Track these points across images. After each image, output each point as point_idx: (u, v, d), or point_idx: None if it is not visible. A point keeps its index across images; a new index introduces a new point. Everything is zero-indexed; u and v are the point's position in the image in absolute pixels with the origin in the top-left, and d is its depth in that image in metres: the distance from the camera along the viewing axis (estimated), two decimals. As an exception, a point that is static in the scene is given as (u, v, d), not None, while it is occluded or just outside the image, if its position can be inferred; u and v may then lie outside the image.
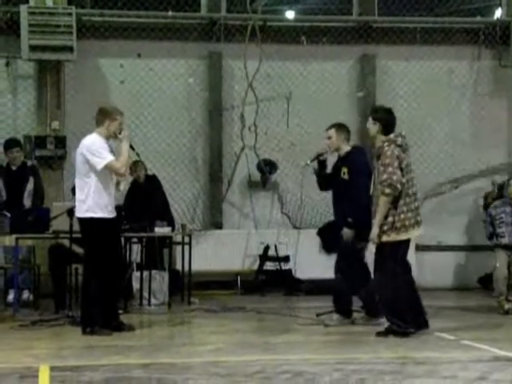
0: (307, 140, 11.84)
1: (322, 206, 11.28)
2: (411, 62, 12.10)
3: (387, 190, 7.12)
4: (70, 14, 10.91)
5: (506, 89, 12.25)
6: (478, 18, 12.43)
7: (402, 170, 7.21)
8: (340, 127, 8.16)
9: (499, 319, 8.73)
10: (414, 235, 7.37)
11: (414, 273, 11.63)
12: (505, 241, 9.19)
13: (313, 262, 11.22)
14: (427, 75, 12.14)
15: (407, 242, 7.35)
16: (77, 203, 7.64)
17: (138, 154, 8.26)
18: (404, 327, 7.21)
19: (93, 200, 7.49)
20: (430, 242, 11.91)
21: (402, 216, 7.19)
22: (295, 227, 11.80)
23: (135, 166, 10.12)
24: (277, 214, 11.94)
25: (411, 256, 11.67)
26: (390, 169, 7.14)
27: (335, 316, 8.01)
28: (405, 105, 12.10)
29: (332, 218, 10.29)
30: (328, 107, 11.85)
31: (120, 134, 7.64)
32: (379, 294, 7.37)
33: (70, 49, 10.83)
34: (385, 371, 5.70)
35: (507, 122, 12.34)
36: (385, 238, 7.20)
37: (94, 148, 7.54)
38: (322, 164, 8.18)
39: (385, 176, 7.14)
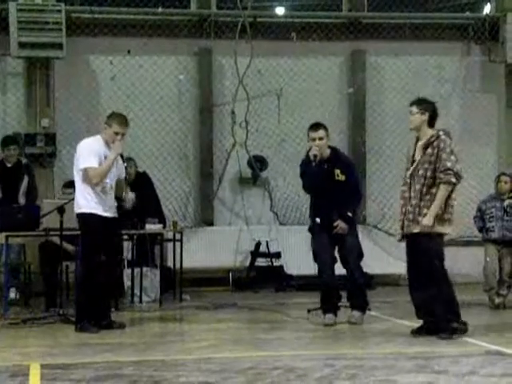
0: (298, 136, 11.86)
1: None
2: (401, 57, 12.13)
3: (453, 179, 6.85)
4: (60, 11, 10.89)
5: (495, 84, 12.29)
6: (468, 14, 12.47)
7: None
8: (326, 127, 7.95)
9: (490, 313, 8.77)
10: (453, 230, 7.15)
11: (404, 268, 11.86)
12: (494, 235, 9.23)
13: (304, 259, 11.22)
14: (417, 71, 12.17)
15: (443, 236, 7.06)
16: (75, 198, 7.69)
17: (126, 168, 7.98)
18: (462, 323, 6.98)
19: (83, 196, 7.51)
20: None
21: (450, 209, 6.95)
22: (281, 224, 11.80)
23: (126, 163, 10.08)
24: (268, 211, 11.95)
25: (401, 251, 11.85)
26: (453, 157, 6.88)
27: (358, 313, 7.92)
28: (394, 100, 12.14)
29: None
30: (318, 103, 11.87)
31: (113, 143, 7.51)
32: (427, 291, 7.03)
33: (60, 46, 10.81)
34: (376, 367, 5.71)
35: (497, 117, 12.38)
36: (430, 230, 6.90)
37: (83, 148, 7.55)
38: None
39: (449, 164, 6.84)
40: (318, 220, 7.90)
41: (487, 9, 12.59)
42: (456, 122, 12.11)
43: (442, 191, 6.86)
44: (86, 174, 7.44)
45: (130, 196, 7.83)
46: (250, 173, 11.85)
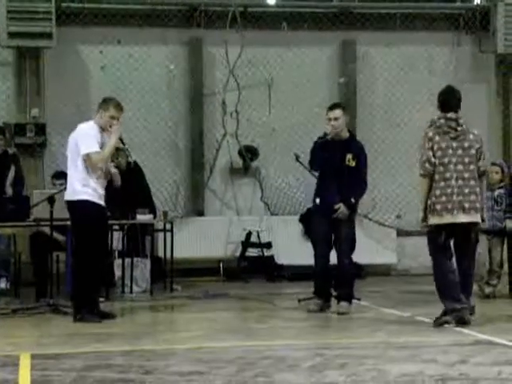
0: (289, 126, 11.85)
1: (303, 192, 11.33)
2: (391, 47, 12.12)
3: (420, 171, 7.17)
4: (50, 1, 10.83)
5: (485, 74, 12.30)
6: (458, 4, 12.46)
7: (433, 151, 7.07)
8: (345, 108, 8.05)
9: (480, 303, 8.77)
10: (447, 221, 7.12)
11: (395, 258, 11.91)
12: (484, 225, 9.22)
13: (295, 249, 11.25)
14: (407, 61, 12.17)
15: (442, 227, 7.10)
16: (68, 186, 7.62)
17: (127, 150, 8.15)
18: (455, 315, 7.05)
19: (80, 184, 7.45)
20: (411, 227, 11.97)
21: (434, 199, 7.07)
22: (272, 214, 11.80)
23: (117, 153, 10.04)
24: (259, 201, 11.94)
25: (392, 241, 11.90)
26: (422, 150, 7.17)
27: (345, 304, 7.95)
28: (385, 91, 12.14)
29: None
30: (309, 93, 11.86)
31: (111, 127, 7.54)
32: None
33: (50, 35, 10.76)
34: (366, 356, 5.73)
35: (487, 107, 12.39)
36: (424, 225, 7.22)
37: (84, 133, 7.49)
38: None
39: (419, 157, 7.23)
40: (317, 200, 7.93)
41: (478, -1, 12.59)
42: (446, 112, 12.10)
43: (420, 185, 7.19)
44: (89, 160, 7.41)
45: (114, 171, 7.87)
46: (241, 163, 11.84)
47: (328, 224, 7.88)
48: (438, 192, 7.09)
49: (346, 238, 7.92)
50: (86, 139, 7.44)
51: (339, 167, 7.85)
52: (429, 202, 7.08)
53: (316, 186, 8.10)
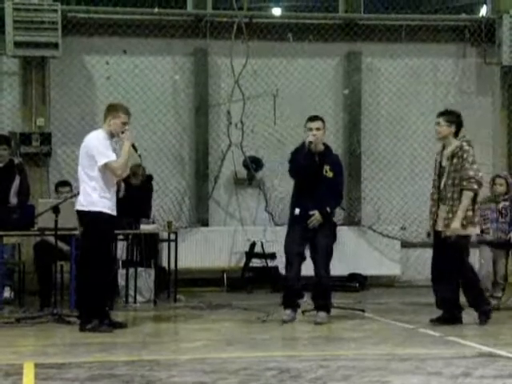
0: (293, 137, 11.85)
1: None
2: (396, 59, 12.15)
3: (475, 186, 7.64)
4: (56, 11, 10.88)
5: (490, 86, 12.32)
6: (464, 16, 12.48)
7: None
8: (324, 121, 8.19)
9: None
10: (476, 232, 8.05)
11: (399, 270, 11.89)
12: (489, 237, 9.24)
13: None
14: (412, 72, 12.19)
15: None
16: (81, 196, 7.53)
17: (140, 156, 8.17)
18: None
19: (97, 194, 7.41)
20: (415, 238, 11.97)
21: (472, 213, 7.71)
22: (276, 224, 11.79)
23: (137, 168, 9.94)
24: (263, 211, 11.95)
25: (396, 253, 11.90)
26: (475, 166, 7.66)
27: (323, 314, 8.02)
28: (390, 102, 12.16)
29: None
30: (314, 104, 11.88)
31: (123, 133, 7.53)
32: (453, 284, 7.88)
33: (55, 45, 10.80)
34: (370, 368, 5.71)
35: (492, 119, 12.40)
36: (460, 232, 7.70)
37: (97, 143, 7.43)
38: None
39: (471, 173, 7.61)
40: (297, 211, 8.04)
41: (483, 11, 12.61)
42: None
43: (465, 197, 7.62)
44: (109, 168, 7.37)
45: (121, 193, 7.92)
46: (246, 173, 11.86)
47: (304, 235, 8.00)
48: (476, 206, 7.77)
49: (320, 249, 8.00)
50: (100, 149, 7.38)
51: (318, 178, 7.97)
52: (470, 213, 7.66)
53: (294, 196, 8.19)
